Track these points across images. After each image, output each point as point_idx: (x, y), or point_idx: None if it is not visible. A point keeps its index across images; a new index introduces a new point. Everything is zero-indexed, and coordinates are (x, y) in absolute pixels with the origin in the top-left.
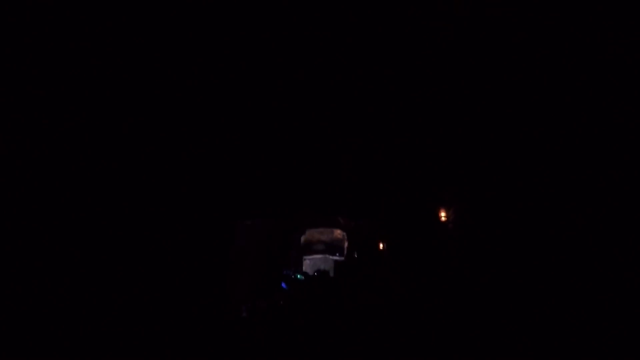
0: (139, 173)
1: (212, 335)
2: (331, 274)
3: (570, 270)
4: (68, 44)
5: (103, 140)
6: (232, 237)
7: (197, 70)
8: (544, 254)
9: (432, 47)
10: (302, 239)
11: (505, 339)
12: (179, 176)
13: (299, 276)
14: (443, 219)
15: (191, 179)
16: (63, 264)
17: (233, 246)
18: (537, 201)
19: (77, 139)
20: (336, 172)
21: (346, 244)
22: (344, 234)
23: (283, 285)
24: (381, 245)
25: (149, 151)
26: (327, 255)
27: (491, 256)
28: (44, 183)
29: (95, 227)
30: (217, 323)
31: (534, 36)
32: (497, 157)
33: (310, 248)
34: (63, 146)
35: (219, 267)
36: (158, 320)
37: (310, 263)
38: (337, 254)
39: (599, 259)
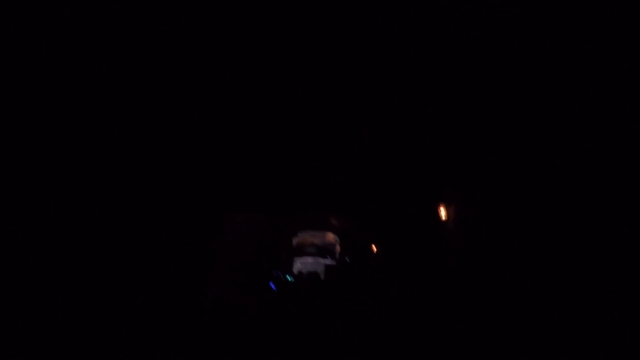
0: (122, 159)
1: (190, 332)
2: (322, 277)
3: (581, 274)
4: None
5: (76, 122)
6: (220, 231)
7: (181, 53)
8: (555, 258)
9: (427, 34)
10: (294, 241)
11: (509, 349)
12: (167, 166)
13: (288, 278)
14: (443, 217)
15: (177, 168)
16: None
17: (220, 241)
18: (549, 199)
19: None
20: (330, 166)
21: (338, 248)
22: (337, 237)
23: (272, 285)
24: (375, 248)
25: (135, 138)
26: (319, 259)
27: (496, 259)
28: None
29: (65, 213)
30: (197, 319)
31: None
32: (502, 150)
33: (301, 250)
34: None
35: (204, 261)
36: (133, 315)
37: (301, 266)
38: (329, 258)
39: (612, 260)
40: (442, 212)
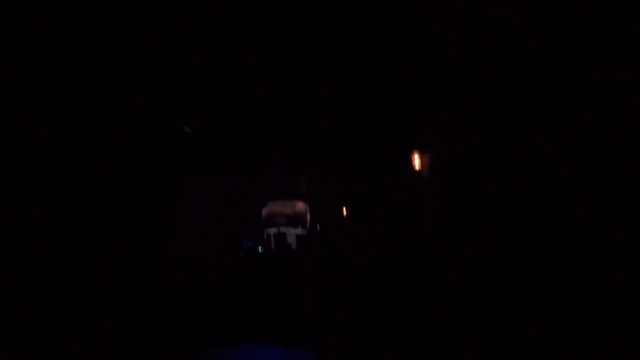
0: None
1: (153, 303)
2: (293, 247)
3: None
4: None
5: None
6: (179, 197)
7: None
8: (539, 211)
9: None
10: (264, 211)
11: (486, 311)
12: (118, 120)
13: (259, 248)
14: (417, 167)
15: (131, 125)
16: None
17: (181, 207)
18: (531, 148)
19: None
20: (295, 116)
21: (309, 217)
22: (307, 206)
23: (242, 254)
24: (345, 211)
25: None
26: (290, 229)
27: (476, 216)
28: None
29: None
30: (157, 289)
31: None
32: (483, 85)
33: (271, 221)
34: None
35: (162, 228)
36: (89, 282)
37: (272, 236)
38: (300, 227)
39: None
40: (416, 161)
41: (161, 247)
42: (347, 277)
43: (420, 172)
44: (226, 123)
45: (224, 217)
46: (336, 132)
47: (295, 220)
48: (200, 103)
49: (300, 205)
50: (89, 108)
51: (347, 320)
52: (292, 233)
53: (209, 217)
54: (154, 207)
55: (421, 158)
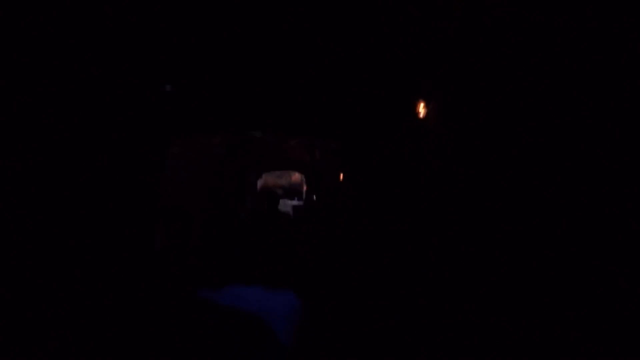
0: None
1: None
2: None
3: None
4: None
5: None
6: (164, 161)
7: None
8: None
9: None
10: (259, 183)
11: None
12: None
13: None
14: (421, 114)
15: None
16: None
17: (164, 174)
18: (540, 96)
19: None
20: (290, 69)
21: (305, 188)
22: (303, 176)
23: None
24: (342, 176)
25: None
26: (286, 200)
27: (489, 166)
28: None
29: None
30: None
31: None
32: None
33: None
34: None
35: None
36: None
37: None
38: (296, 199)
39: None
40: (420, 109)
41: (149, 211)
42: (340, 239)
43: (424, 120)
44: (212, 78)
45: (216, 189)
46: (336, 88)
47: (291, 191)
48: (184, 57)
49: (296, 176)
50: (65, 66)
51: (338, 274)
52: (289, 204)
53: (201, 186)
54: (140, 168)
55: (426, 106)
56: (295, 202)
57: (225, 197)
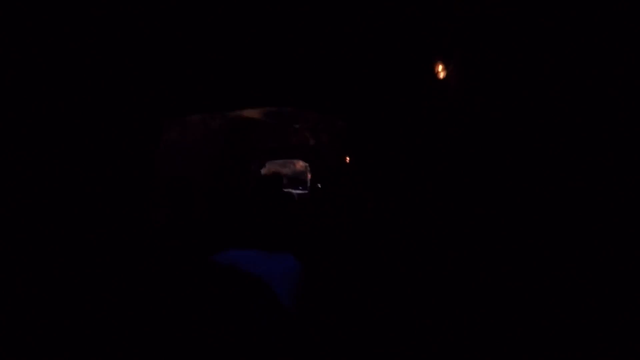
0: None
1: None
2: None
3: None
4: None
5: None
6: (156, 146)
7: None
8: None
9: None
10: (262, 172)
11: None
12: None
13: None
14: (441, 75)
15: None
16: None
17: (158, 160)
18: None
19: None
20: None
21: (309, 176)
22: (307, 165)
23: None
24: (348, 159)
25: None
26: (290, 190)
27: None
28: None
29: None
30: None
31: None
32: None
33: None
34: None
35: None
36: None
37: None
38: (300, 188)
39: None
40: (440, 70)
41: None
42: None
43: (444, 80)
44: (209, 49)
45: (219, 178)
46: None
47: (295, 180)
48: (178, 31)
49: (300, 164)
50: (60, 55)
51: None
52: (293, 193)
53: (201, 172)
54: (134, 149)
55: (445, 67)
56: (299, 191)
57: (228, 180)
